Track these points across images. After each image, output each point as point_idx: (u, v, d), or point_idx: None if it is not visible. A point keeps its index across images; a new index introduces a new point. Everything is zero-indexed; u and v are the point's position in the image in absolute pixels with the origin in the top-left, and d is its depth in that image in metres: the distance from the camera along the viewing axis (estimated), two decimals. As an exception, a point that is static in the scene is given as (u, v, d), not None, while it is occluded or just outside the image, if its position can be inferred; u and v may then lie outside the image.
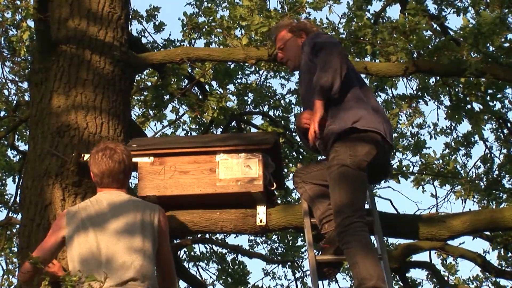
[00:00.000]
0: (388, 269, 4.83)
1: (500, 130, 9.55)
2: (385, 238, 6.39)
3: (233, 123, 8.89)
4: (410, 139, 9.86)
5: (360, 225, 4.67)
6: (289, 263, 10.41)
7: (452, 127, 9.84)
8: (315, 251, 4.95)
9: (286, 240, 10.38)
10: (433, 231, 5.31)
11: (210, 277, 10.29)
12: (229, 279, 9.93)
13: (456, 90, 8.07)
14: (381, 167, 4.99)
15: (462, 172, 9.75)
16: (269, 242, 10.55)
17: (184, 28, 8.34)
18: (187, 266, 9.64)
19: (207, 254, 10.32)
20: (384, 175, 5.22)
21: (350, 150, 4.75)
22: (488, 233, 8.51)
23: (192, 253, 10.13)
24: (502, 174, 9.35)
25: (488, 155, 9.75)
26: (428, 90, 8.94)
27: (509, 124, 9.24)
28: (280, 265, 10.62)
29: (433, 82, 8.92)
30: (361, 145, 4.77)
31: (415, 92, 9.06)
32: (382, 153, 4.86)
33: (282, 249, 10.49)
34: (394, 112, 9.06)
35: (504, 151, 9.60)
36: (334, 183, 4.77)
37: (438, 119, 9.89)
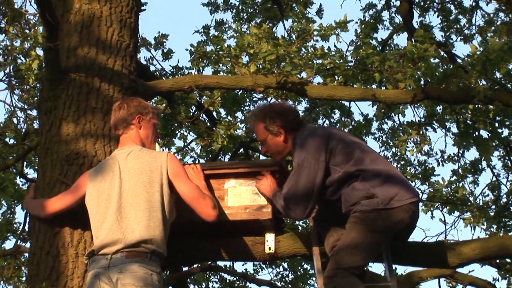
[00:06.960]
0: (398, 296, 4.82)
1: (508, 158, 9.52)
2: (394, 266, 6.36)
3: (241, 150, 8.89)
4: (418, 167, 9.82)
5: (348, 273, 4.69)
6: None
7: (460, 154, 9.82)
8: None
9: (294, 269, 10.33)
10: (443, 258, 5.28)
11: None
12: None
13: (464, 117, 8.05)
14: (408, 230, 5.02)
15: (471, 199, 9.70)
16: (274, 267, 10.50)
17: (192, 56, 8.36)
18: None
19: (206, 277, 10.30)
20: (406, 237, 5.19)
21: (384, 214, 4.77)
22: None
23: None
24: (510, 202, 9.29)
25: (496, 182, 9.71)
26: (436, 116, 8.93)
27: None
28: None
29: (440, 109, 8.92)
30: (396, 212, 4.78)
31: (423, 119, 9.06)
32: (412, 219, 4.86)
33: (291, 274, 10.43)
34: (402, 139, 9.04)
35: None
36: (351, 229, 4.78)
37: (446, 146, 9.88)
